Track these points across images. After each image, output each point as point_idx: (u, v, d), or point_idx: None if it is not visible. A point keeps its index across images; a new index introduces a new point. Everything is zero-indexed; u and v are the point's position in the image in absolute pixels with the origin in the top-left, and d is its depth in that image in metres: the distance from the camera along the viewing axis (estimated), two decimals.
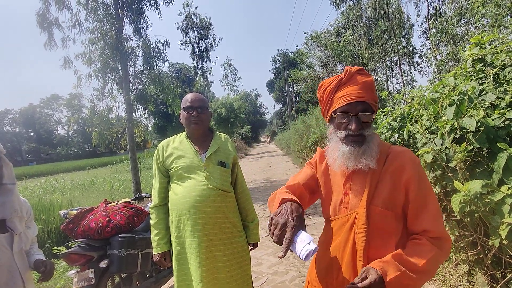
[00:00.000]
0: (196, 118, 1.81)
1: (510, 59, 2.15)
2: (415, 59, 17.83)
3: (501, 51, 2.19)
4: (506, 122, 2.07)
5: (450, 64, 10.05)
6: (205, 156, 1.82)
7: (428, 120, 2.38)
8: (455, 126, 2.06)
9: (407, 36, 16.52)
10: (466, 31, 9.86)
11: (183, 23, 19.43)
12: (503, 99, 2.17)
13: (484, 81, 2.41)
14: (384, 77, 19.36)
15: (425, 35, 14.76)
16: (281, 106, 49.84)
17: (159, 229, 1.86)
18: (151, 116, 43.57)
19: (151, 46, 8.67)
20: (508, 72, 2.22)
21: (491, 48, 2.28)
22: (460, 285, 2.42)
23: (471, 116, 2.01)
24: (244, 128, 32.74)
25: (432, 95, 2.39)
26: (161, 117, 41.95)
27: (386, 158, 1.10)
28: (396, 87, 18.72)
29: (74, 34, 8.10)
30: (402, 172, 1.05)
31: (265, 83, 48.62)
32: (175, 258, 1.78)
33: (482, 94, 2.36)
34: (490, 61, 2.30)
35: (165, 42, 8.82)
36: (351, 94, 1.08)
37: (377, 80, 18.53)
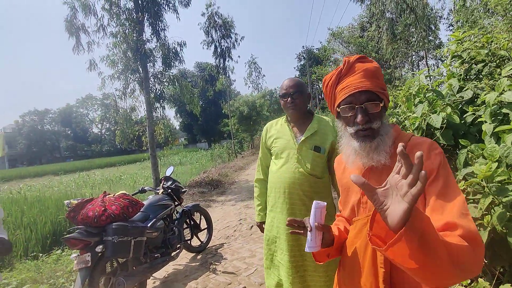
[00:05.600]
0: (291, 104, 1.90)
1: (483, 54, 2.14)
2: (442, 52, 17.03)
3: (471, 48, 2.18)
4: (479, 119, 2.07)
5: None
6: (300, 140, 1.91)
7: (405, 119, 2.41)
8: (422, 124, 2.08)
9: (433, 29, 15.83)
10: (492, 23, 9.37)
11: (205, 23, 19.83)
12: (479, 96, 2.17)
13: (467, 77, 2.40)
14: (411, 72, 18.66)
15: (451, 28, 14.08)
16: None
17: (260, 201, 2.12)
18: (178, 115, 44.87)
19: (169, 47, 9.04)
20: (483, 67, 2.20)
21: (461, 45, 2.27)
22: None
23: (438, 113, 2.03)
24: None
25: (406, 92, 2.41)
26: (187, 116, 43.24)
27: None
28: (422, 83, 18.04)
29: (98, 38, 8.63)
30: None
31: None
32: (266, 228, 2.01)
33: (464, 90, 2.36)
34: (467, 58, 2.29)
35: (182, 43, 9.14)
36: (352, 85, 0.99)
37: (401, 76, 17.90)
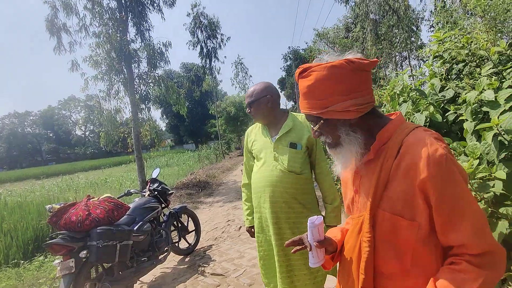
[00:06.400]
0: (250, 114, 1.98)
1: (463, 54, 2.19)
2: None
3: (452, 49, 2.23)
4: (460, 118, 2.13)
5: None
6: (275, 139, 1.93)
7: None
8: None
9: (415, 30, 16.18)
10: (472, 24, 9.66)
11: (191, 24, 19.67)
12: (460, 95, 2.22)
13: (448, 77, 2.46)
14: (395, 72, 19.03)
15: (432, 29, 14.46)
16: (293, 103, 49.75)
17: (248, 205, 2.13)
18: (164, 116, 44.29)
19: (154, 47, 8.91)
20: (463, 67, 2.26)
21: (442, 45, 2.33)
22: None
23: (421, 112, 2.07)
24: None
25: (390, 92, 2.45)
26: (174, 117, 42.74)
27: (399, 150, 0.87)
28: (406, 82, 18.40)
29: (80, 38, 8.42)
30: (415, 171, 0.81)
31: (276, 81, 48.47)
32: (255, 230, 2.01)
33: (445, 89, 2.42)
34: (448, 58, 2.34)
35: (167, 44, 9.03)
36: (299, 103, 0.99)
37: (386, 75, 18.24)
